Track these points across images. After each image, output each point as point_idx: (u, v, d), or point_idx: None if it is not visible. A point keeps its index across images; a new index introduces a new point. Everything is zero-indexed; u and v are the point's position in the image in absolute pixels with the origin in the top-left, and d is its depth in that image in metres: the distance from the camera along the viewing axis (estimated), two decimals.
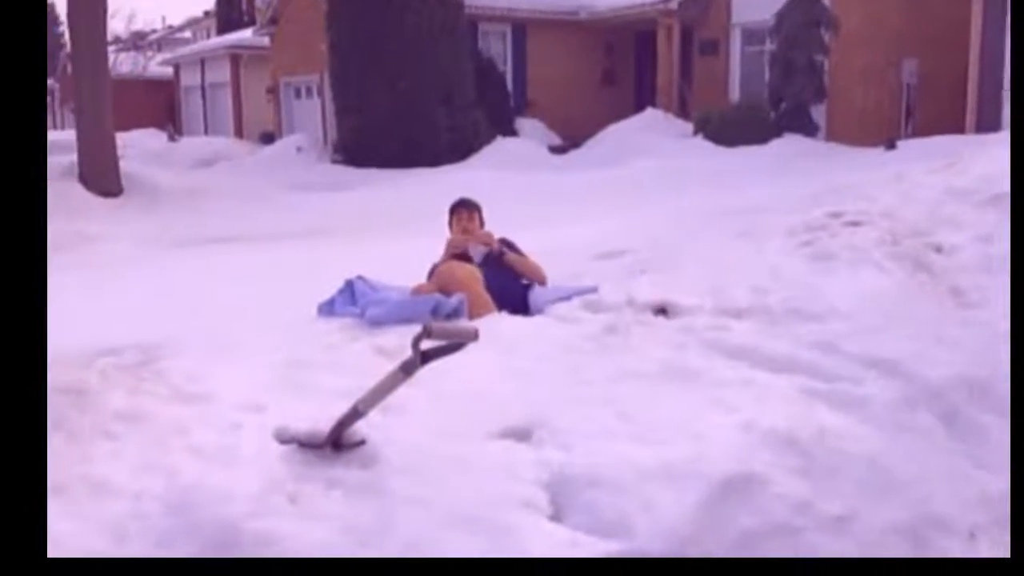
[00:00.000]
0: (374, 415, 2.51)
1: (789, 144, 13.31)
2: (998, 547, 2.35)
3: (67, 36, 14.43)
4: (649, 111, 16.63)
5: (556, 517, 2.21)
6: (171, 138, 23.31)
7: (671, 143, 14.31)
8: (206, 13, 39.69)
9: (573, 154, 15.95)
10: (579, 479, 2.30)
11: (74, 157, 12.23)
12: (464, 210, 4.68)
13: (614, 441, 2.48)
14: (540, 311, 3.99)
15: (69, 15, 12.39)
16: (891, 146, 12.48)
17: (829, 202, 5.82)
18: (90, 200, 11.51)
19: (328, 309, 4.09)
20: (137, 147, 19.09)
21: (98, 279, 6.66)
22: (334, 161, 17.43)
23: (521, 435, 2.55)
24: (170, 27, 44.86)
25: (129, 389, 2.75)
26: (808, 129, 14.04)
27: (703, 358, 3.11)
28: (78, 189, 11.69)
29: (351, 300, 4.10)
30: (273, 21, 21.49)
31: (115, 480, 2.24)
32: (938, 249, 4.04)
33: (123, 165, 12.50)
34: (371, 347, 3.41)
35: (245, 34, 24.93)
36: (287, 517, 2.15)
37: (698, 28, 17.04)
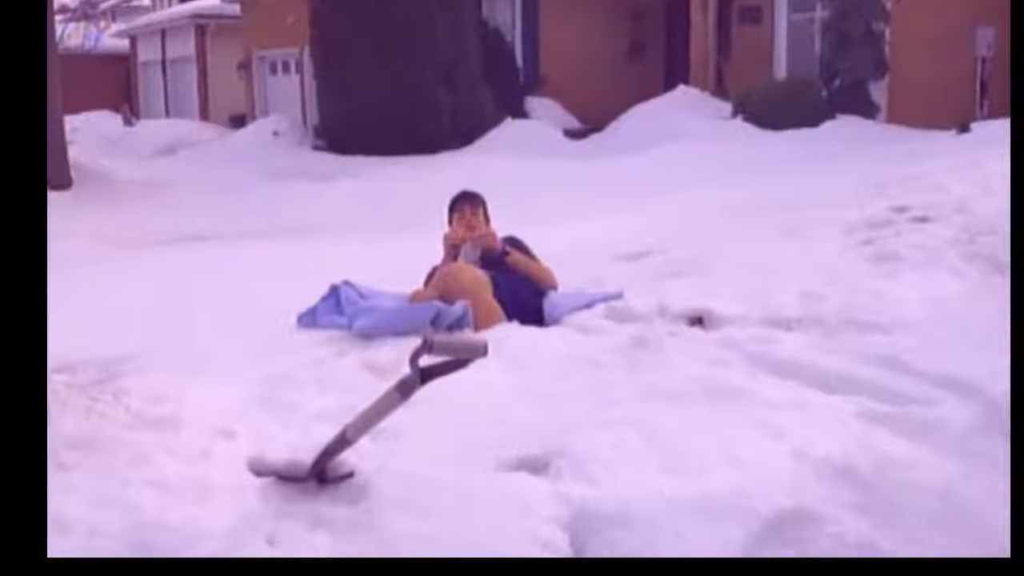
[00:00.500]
0: (364, 442, 2.53)
1: (844, 127, 13.29)
2: None
3: None
4: (681, 89, 16.63)
5: None
6: (127, 122, 23.44)
7: (706, 126, 14.30)
8: None
9: (593, 139, 15.95)
10: (604, 516, 2.30)
11: None
12: (467, 204, 4.69)
13: (644, 471, 2.48)
14: (557, 321, 4.00)
15: None
16: (964, 129, 12.44)
17: (893, 194, 5.82)
18: None
19: (310, 319, 4.11)
20: (88, 132, 19.21)
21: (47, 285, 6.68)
22: (316, 147, 17.49)
23: (537, 465, 2.56)
24: None
25: (83, 412, 2.77)
26: (866, 109, 14.02)
27: (746, 375, 3.11)
28: None
29: (337, 309, 4.12)
30: None
31: (66, 515, 2.26)
32: None
33: (72, 153, 12.58)
34: (361, 363, 3.42)
35: (212, 0, 25.04)
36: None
37: None
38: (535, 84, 18.25)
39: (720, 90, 16.64)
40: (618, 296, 4.16)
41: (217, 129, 21.40)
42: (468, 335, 3.67)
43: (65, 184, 12.16)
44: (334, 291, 4.22)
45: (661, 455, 2.57)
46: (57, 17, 15.94)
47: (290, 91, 20.87)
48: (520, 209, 6.13)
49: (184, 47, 25.99)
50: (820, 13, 14.97)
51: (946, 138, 11.83)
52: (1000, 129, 11.32)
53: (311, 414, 2.96)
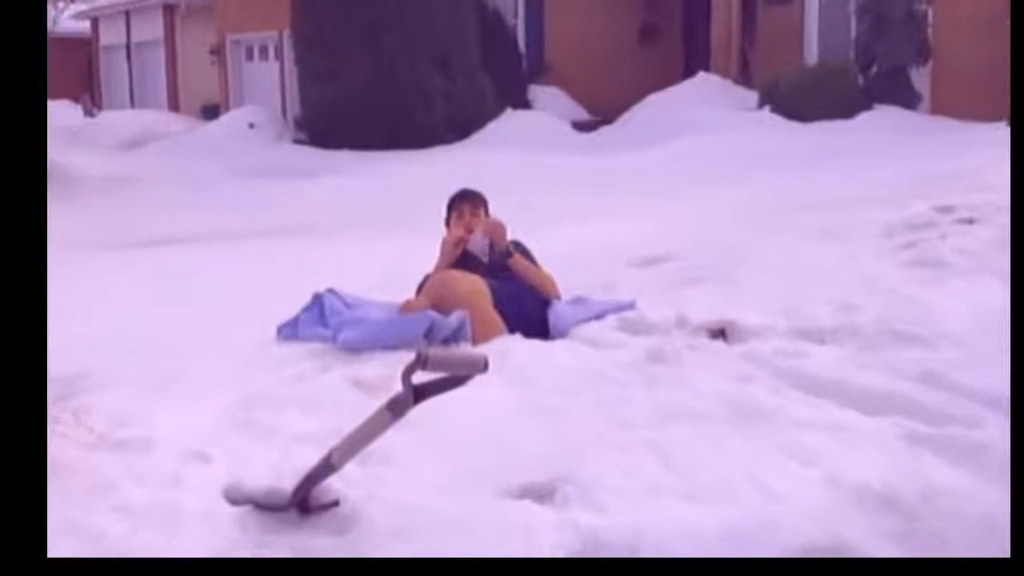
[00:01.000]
0: (351, 467, 2.54)
1: (882, 118, 13.30)
2: None
3: None
4: (701, 76, 16.66)
5: None
6: (88, 112, 23.51)
7: (729, 117, 14.32)
8: None
9: (603, 131, 15.98)
10: (616, 547, 2.31)
11: None
12: (467, 204, 4.71)
13: (661, 499, 2.49)
14: (563, 334, 4.02)
15: None
16: None
17: (936, 193, 5.84)
18: None
19: (291, 331, 4.12)
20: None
21: None
22: (297, 141, 17.51)
23: (542, 492, 2.57)
24: None
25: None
26: (907, 98, 14.03)
27: (774, 394, 3.12)
28: None
29: (320, 320, 4.13)
30: None
31: None
32: None
33: None
34: (347, 379, 3.44)
35: None
36: None
37: None
38: (539, 71, 18.28)
39: (744, 78, 16.66)
40: (631, 305, 4.18)
41: (187, 120, 21.44)
42: (466, 349, 3.68)
43: None
44: (317, 300, 4.23)
45: (679, 481, 2.58)
46: None
47: (268, 79, 20.90)
48: (522, 209, 6.11)
49: (151, 30, 26.05)
50: None
51: (995, 130, 11.82)
52: None
53: (292, 436, 2.97)
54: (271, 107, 19.81)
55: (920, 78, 14.33)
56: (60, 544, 2.28)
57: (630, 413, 3.03)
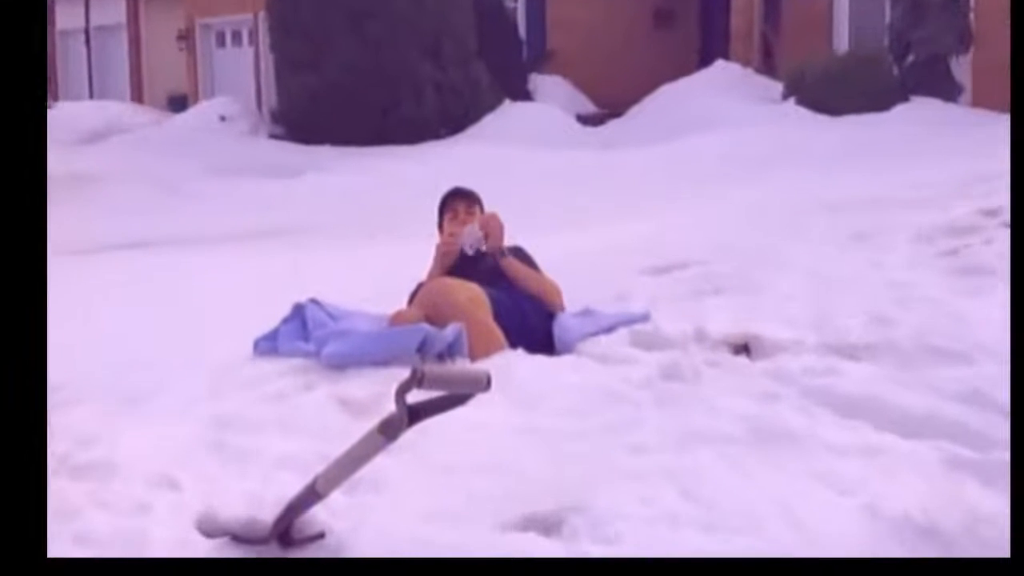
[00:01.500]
0: (337, 496, 2.54)
1: (920, 111, 13.33)
2: None
3: None
4: (719, 65, 16.69)
5: None
6: None
7: (750, 110, 14.35)
8: None
9: (612, 125, 16.01)
10: None
11: None
12: (461, 203, 4.73)
13: (678, 531, 2.49)
14: (570, 348, 4.02)
15: None
16: None
17: (980, 193, 5.85)
18: None
19: (270, 345, 4.12)
20: None
21: None
22: (274, 135, 17.54)
23: (548, 523, 2.56)
24: None
25: None
26: (947, 90, 14.05)
27: (804, 415, 3.12)
28: None
29: (302, 333, 4.14)
30: None
31: None
32: None
33: None
34: (332, 398, 3.44)
35: None
36: None
37: None
38: (541, 59, 18.32)
39: (767, 67, 16.69)
40: (644, 318, 4.18)
41: (153, 113, 21.45)
42: (463, 365, 3.68)
43: None
44: (299, 311, 4.23)
45: (699, 511, 2.58)
46: None
47: (242, 67, 20.95)
48: (522, 211, 6.12)
49: (113, 13, 26.07)
50: None
51: None
52: None
53: (271, 461, 2.97)
54: (245, 98, 19.85)
55: (961, 67, 14.33)
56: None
57: (644, 436, 3.03)
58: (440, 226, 4.76)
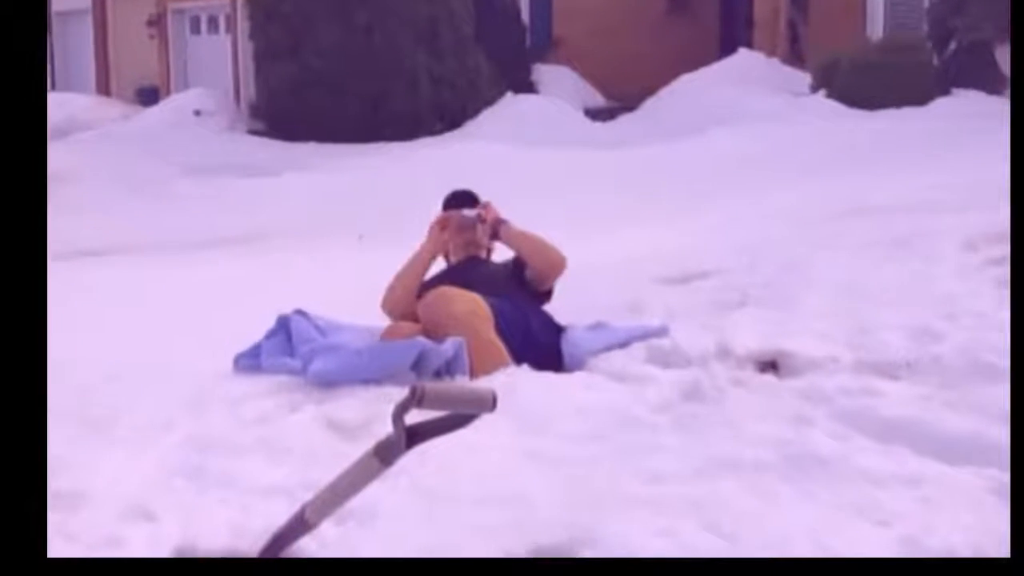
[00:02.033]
0: (328, 526, 2.54)
1: (962, 104, 13.34)
2: None
3: None
4: (742, 54, 16.73)
5: None
6: None
7: (776, 104, 14.37)
8: None
9: (623, 120, 16.03)
10: None
11: None
12: (465, 206, 4.76)
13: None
14: (581, 365, 4.02)
15: None
16: None
17: None
18: None
19: (252, 361, 4.13)
20: None
21: None
22: (253, 131, 17.55)
23: (558, 556, 2.56)
24: None
25: None
26: (990, 81, 14.04)
27: (838, 439, 3.12)
28: None
29: (287, 347, 4.14)
30: None
31: None
32: None
33: None
34: (320, 420, 3.43)
35: None
36: None
37: None
38: (546, 48, 18.34)
39: (794, 56, 16.72)
40: (662, 332, 4.18)
41: (120, 106, 21.46)
42: (465, 383, 3.68)
43: None
44: (283, 324, 4.24)
45: (724, 543, 2.58)
46: None
47: (218, 56, 20.95)
48: (525, 214, 6.07)
49: None
50: None
51: None
52: None
53: (254, 488, 2.97)
54: (221, 91, 19.84)
55: (1007, 57, 14.35)
56: None
57: (661, 463, 3.02)
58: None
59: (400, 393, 2.27)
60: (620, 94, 17.18)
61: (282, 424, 3.45)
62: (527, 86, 17.34)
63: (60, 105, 21.22)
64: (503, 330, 4.09)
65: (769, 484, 2.87)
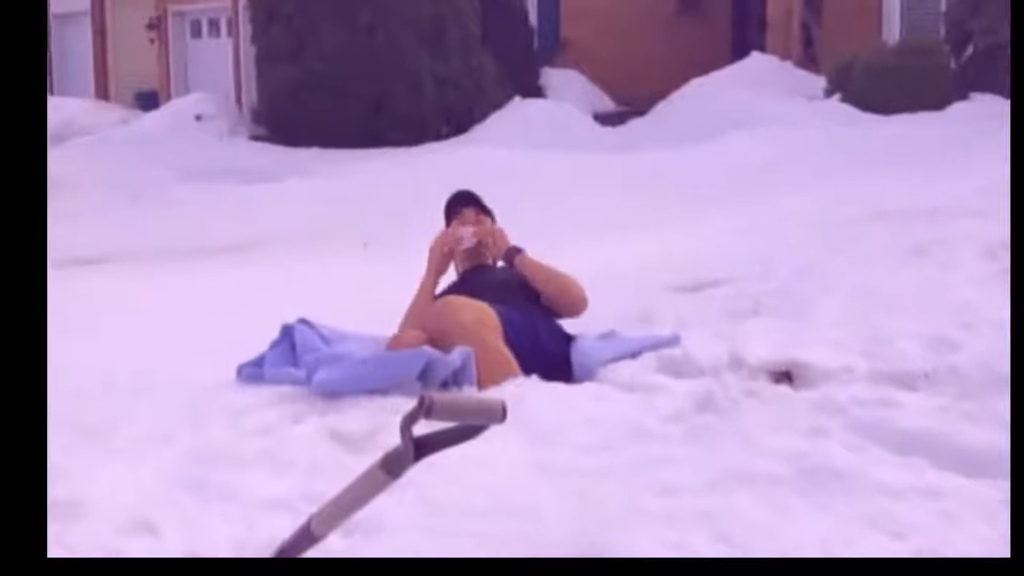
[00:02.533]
0: (334, 539, 2.54)
1: (980, 108, 13.30)
2: None
3: None
4: (754, 57, 16.72)
5: None
6: None
7: (790, 108, 14.35)
8: None
9: (633, 124, 16.01)
10: None
11: None
12: (470, 209, 4.79)
13: None
14: (591, 375, 4.02)
15: None
16: None
17: None
18: None
19: (255, 371, 4.13)
20: None
21: None
22: (255, 136, 17.57)
23: None
24: None
25: None
26: (1009, 85, 14.02)
27: (854, 451, 3.12)
28: None
29: (291, 357, 4.14)
30: None
31: None
32: None
33: None
34: (325, 431, 3.44)
35: None
36: None
37: None
38: (554, 51, 18.33)
39: (809, 59, 16.70)
40: (673, 341, 4.18)
41: (119, 111, 21.48)
42: (473, 393, 3.68)
43: None
44: (287, 334, 4.23)
45: (738, 558, 2.58)
46: None
47: (219, 60, 20.98)
48: (533, 221, 6.13)
49: (75, 0, 26.13)
50: None
51: None
52: None
53: (257, 501, 2.98)
54: (222, 95, 19.86)
55: None
56: None
57: (674, 475, 3.03)
58: None
59: (406, 404, 2.28)
60: (630, 98, 17.16)
61: (285, 435, 3.46)
62: (535, 90, 17.31)
63: (57, 109, 21.25)
64: (511, 339, 4.09)
65: (783, 497, 2.87)
